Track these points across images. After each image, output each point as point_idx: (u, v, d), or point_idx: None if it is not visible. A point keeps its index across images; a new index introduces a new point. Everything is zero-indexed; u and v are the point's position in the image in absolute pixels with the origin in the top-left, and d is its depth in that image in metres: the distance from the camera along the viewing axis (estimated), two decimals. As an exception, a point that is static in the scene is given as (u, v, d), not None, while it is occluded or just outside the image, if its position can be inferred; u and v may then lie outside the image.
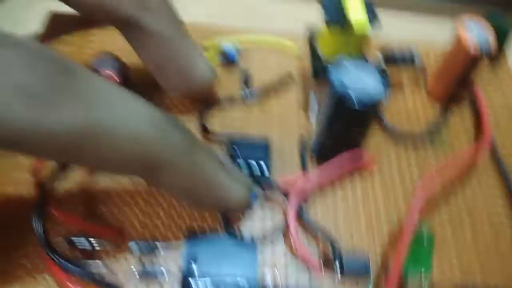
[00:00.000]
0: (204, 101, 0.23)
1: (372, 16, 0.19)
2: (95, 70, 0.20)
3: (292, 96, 0.24)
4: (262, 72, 0.25)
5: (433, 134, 0.23)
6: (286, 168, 0.22)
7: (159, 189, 0.17)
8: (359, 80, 0.18)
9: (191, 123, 0.22)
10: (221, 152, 0.21)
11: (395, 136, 0.23)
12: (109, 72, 0.20)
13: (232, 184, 0.17)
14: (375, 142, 0.23)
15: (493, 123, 0.24)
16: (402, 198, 0.21)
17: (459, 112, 0.25)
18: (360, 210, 0.21)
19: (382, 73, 0.19)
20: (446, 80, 0.23)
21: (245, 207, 0.19)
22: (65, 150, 0.13)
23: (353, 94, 0.18)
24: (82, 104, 0.13)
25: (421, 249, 0.17)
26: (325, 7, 0.20)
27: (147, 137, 0.14)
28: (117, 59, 0.21)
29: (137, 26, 0.19)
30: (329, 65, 0.19)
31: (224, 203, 0.18)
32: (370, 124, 0.20)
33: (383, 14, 0.30)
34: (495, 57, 0.23)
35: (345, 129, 0.19)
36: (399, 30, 0.30)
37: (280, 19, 0.27)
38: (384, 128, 0.23)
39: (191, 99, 0.23)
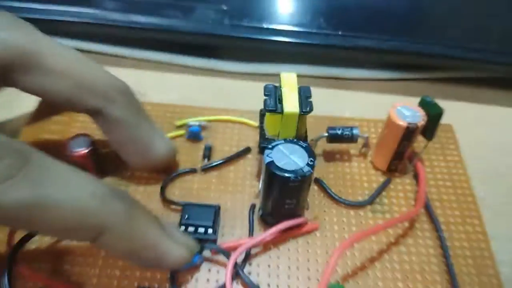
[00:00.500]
0: (164, 172, 0.26)
1: (306, 106, 0.23)
2: (71, 150, 0.24)
3: (247, 167, 0.27)
4: (224, 145, 0.28)
5: (373, 200, 0.26)
6: (236, 232, 0.24)
7: (102, 249, 0.19)
8: (288, 159, 0.21)
9: (153, 191, 0.26)
10: (176, 215, 0.24)
11: (338, 203, 0.26)
12: (82, 151, 0.24)
13: (170, 245, 0.20)
14: (320, 208, 0.25)
15: (435, 194, 0.26)
16: (340, 259, 0.23)
17: (401, 182, 0.27)
18: (300, 269, 0.23)
19: (309, 153, 0.21)
20: (384, 153, 0.26)
21: (183, 265, 0.21)
22: (17, 220, 0.16)
23: (281, 172, 0.21)
24: (29, 186, 0.16)
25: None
26: (267, 98, 0.23)
27: (88, 207, 0.17)
28: (90, 139, 0.24)
29: (102, 116, 0.22)
30: (264, 145, 0.22)
31: (163, 262, 0.20)
32: (301, 195, 0.22)
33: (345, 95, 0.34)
34: (430, 135, 0.25)
35: (280, 198, 0.22)
36: (352, 106, 0.33)
37: (246, 98, 0.31)
38: (328, 195, 0.26)
39: (151, 171, 0.26)
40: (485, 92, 0.35)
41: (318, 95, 0.34)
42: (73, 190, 0.17)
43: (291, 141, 0.22)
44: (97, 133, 0.26)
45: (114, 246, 0.19)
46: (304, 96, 0.24)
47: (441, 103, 0.25)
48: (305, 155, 0.22)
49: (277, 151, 0.22)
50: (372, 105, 0.33)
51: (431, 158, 0.28)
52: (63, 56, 0.22)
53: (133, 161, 0.24)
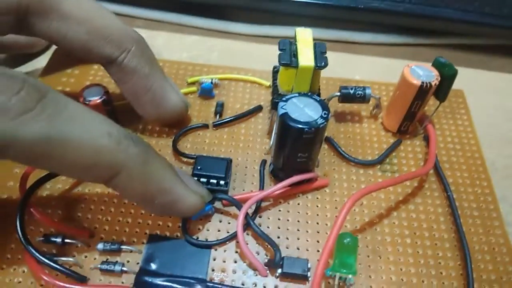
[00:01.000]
0: (176, 127, 0.26)
1: (321, 61, 0.23)
2: (85, 99, 0.24)
3: (258, 125, 0.27)
4: (236, 102, 0.28)
5: (383, 160, 0.26)
6: (247, 186, 0.24)
7: (116, 191, 0.19)
8: (302, 112, 0.21)
9: (165, 144, 0.26)
10: (188, 168, 0.24)
11: (348, 161, 0.26)
12: (96, 100, 0.24)
13: (183, 191, 0.20)
14: (330, 166, 0.26)
15: (445, 156, 0.27)
16: (349, 215, 0.23)
17: (412, 144, 0.27)
18: (309, 222, 0.23)
19: (323, 106, 0.21)
20: (395, 114, 0.26)
21: (196, 213, 0.21)
22: (33, 156, 0.16)
23: (295, 123, 0.21)
24: (47, 120, 0.16)
25: (345, 254, 0.19)
26: (282, 52, 0.23)
27: (104, 146, 0.17)
28: (104, 89, 0.24)
29: (117, 65, 0.22)
30: (279, 99, 0.22)
31: (176, 208, 0.20)
32: (314, 149, 0.22)
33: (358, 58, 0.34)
34: (443, 96, 0.25)
35: (293, 151, 0.22)
36: (362, 70, 0.33)
37: (257, 60, 0.31)
38: (338, 154, 0.26)
39: (163, 124, 0.26)
40: (496, 59, 0.35)
41: (329, 58, 0.35)
42: (90, 128, 0.17)
43: (305, 95, 0.22)
44: (110, 87, 0.26)
45: (129, 188, 0.19)
46: (319, 52, 0.23)
47: None
48: (319, 108, 0.21)
49: (291, 104, 0.22)
50: (382, 69, 0.33)
51: (441, 122, 0.28)
52: (80, 3, 0.22)
53: (146, 113, 0.24)
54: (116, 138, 0.18)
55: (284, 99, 0.22)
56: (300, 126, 0.21)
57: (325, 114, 0.21)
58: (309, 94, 0.22)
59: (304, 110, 0.21)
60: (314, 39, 0.24)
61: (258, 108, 0.28)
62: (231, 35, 0.35)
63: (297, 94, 0.22)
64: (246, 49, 0.34)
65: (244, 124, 0.27)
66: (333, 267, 0.19)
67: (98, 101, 0.24)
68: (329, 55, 0.25)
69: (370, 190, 0.21)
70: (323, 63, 0.23)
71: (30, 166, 0.22)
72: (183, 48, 0.34)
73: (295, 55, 0.23)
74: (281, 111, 0.21)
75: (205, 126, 0.27)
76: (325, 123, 0.21)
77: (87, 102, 0.23)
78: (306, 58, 0.23)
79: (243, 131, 0.27)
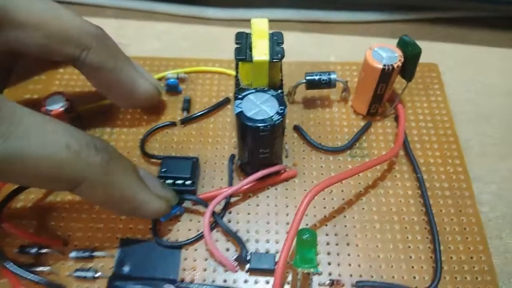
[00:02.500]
0: (154, 111, 0.27)
1: (277, 53, 0.22)
2: (47, 110, 0.24)
3: (227, 118, 0.27)
4: (203, 96, 0.28)
5: (352, 145, 0.26)
6: (216, 182, 0.25)
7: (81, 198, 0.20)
8: (258, 108, 0.21)
9: (132, 146, 0.26)
10: (156, 168, 0.24)
11: (318, 149, 0.26)
12: (58, 109, 0.24)
13: (146, 197, 0.21)
14: (299, 155, 0.26)
15: (417, 135, 0.26)
16: (317, 204, 0.24)
17: (382, 125, 0.27)
18: (278, 215, 0.23)
19: (280, 101, 0.21)
20: (363, 96, 0.26)
21: (162, 216, 0.22)
22: None
23: (251, 122, 0.21)
24: (2, 138, 0.16)
25: (305, 249, 0.20)
26: (238, 46, 0.23)
27: (63, 160, 0.17)
28: (65, 97, 0.24)
29: (81, 62, 0.22)
30: (238, 94, 0.22)
31: (140, 213, 0.21)
32: (274, 144, 0.22)
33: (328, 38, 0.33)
34: (409, 76, 0.25)
35: (254, 148, 0.22)
36: (339, 50, 0.32)
37: (231, 46, 0.30)
38: (308, 142, 0.26)
39: (141, 110, 0.27)
40: (475, 32, 0.33)
41: (303, 40, 0.34)
42: (47, 142, 0.17)
43: (262, 90, 0.22)
44: (76, 91, 0.26)
45: (92, 196, 0.19)
46: (275, 43, 0.23)
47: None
48: (276, 103, 0.21)
49: (247, 101, 0.21)
50: (359, 48, 0.32)
51: (413, 100, 0.28)
52: (32, 7, 0.21)
53: (120, 103, 0.25)
54: (75, 150, 0.18)
55: (240, 96, 0.22)
56: (256, 124, 0.21)
57: (281, 109, 0.21)
58: (266, 89, 0.22)
59: (260, 107, 0.21)
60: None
61: (226, 101, 0.28)
62: (204, 21, 0.35)
63: (253, 90, 0.22)
64: (219, 34, 0.34)
65: (213, 118, 0.27)
66: (295, 263, 0.20)
67: (60, 109, 0.24)
68: (305, 36, 0.25)
69: (330, 183, 0.21)
70: (279, 56, 0.22)
71: None
72: (154, 37, 0.34)
73: (251, 48, 0.23)
74: (236, 110, 0.21)
75: (173, 124, 0.27)
76: (281, 118, 0.21)
77: (49, 112, 0.24)
78: (260, 51, 0.22)
79: (212, 126, 0.27)
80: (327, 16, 0.34)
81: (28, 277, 0.21)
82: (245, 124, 0.21)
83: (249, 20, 0.35)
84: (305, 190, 0.24)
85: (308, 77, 0.26)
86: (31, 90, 0.28)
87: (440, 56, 0.30)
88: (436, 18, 0.34)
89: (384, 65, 0.23)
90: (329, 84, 0.26)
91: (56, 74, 0.29)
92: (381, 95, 0.25)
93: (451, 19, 0.34)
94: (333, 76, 0.26)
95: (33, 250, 0.22)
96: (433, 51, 0.31)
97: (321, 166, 0.25)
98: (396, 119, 0.27)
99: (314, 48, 0.32)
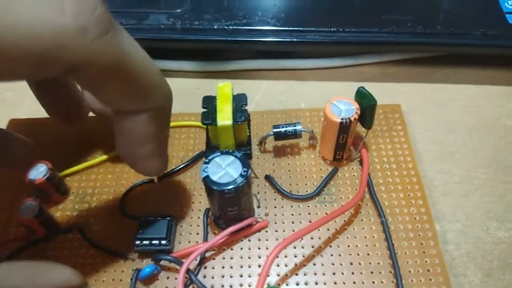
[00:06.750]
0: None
1: (241, 116, 0.24)
2: (30, 179, 0.25)
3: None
4: (180, 150, 0.30)
5: (320, 191, 0.27)
6: (192, 238, 0.26)
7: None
8: (223, 171, 0.23)
9: (114, 206, 0.27)
10: (134, 228, 0.25)
11: (288, 198, 0.27)
12: (41, 178, 0.25)
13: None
14: (271, 204, 0.27)
15: (381, 178, 0.28)
16: (289, 253, 0.25)
17: (348, 170, 0.28)
18: (251, 267, 0.25)
19: (243, 163, 0.23)
20: (328, 144, 0.27)
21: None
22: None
23: (216, 186, 0.22)
24: (118, 44, 0.17)
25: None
26: (204, 110, 0.24)
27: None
28: (47, 166, 0.26)
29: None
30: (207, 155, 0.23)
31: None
32: (241, 203, 0.23)
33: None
34: (368, 125, 0.26)
35: (222, 208, 0.24)
36: (308, 96, 0.34)
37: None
38: (278, 191, 0.27)
39: None
40: (437, 71, 0.35)
41: (275, 87, 0.35)
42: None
43: (227, 152, 0.23)
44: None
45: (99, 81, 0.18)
46: (239, 105, 0.25)
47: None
48: (239, 165, 0.23)
49: (213, 164, 0.23)
50: (328, 93, 0.34)
51: (378, 142, 0.29)
52: None
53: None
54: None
55: (207, 160, 0.23)
56: (221, 188, 0.22)
57: (244, 171, 0.23)
58: (230, 151, 0.23)
59: (225, 170, 0.23)
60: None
61: (202, 154, 0.29)
62: (180, 73, 0.36)
63: (219, 153, 0.23)
64: (195, 87, 0.35)
65: (189, 172, 0.29)
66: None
67: (43, 179, 0.25)
68: (276, 84, 0.26)
69: (292, 240, 0.22)
70: (242, 118, 0.24)
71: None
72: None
73: (216, 112, 0.24)
74: (203, 174, 0.23)
75: (151, 181, 0.28)
76: (244, 181, 0.22)
77: (33, 182, 0.25)
78: (224, 116, 0.24)
79: (188, 180, 0.28)
80: (295, 64, 0.36)
81: None
82: (212, 188, 0.22)
83: (224, 72, 0.37)
84: (277, 239, 0.26)
85: (275, 130, 0.28)
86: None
87: (404, 96, 0.32)
88: (400, 60, 0.35)
89: (342, 119, 0.25)
90: (295, 135, 0.27)
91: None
92: (343, 143, 0.27)
93: (415, 59, 0.35)
94: (298, 128, 0.27)
95: None
96: (397, 92, 0.32)
97: (292, 214, 0.26)
98: (361, 163, 0.28)
99: (286, 95, 0.34)
